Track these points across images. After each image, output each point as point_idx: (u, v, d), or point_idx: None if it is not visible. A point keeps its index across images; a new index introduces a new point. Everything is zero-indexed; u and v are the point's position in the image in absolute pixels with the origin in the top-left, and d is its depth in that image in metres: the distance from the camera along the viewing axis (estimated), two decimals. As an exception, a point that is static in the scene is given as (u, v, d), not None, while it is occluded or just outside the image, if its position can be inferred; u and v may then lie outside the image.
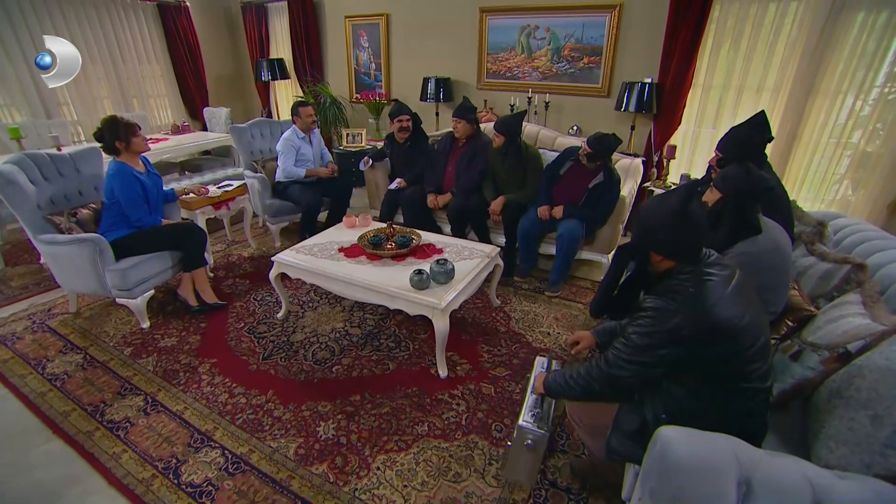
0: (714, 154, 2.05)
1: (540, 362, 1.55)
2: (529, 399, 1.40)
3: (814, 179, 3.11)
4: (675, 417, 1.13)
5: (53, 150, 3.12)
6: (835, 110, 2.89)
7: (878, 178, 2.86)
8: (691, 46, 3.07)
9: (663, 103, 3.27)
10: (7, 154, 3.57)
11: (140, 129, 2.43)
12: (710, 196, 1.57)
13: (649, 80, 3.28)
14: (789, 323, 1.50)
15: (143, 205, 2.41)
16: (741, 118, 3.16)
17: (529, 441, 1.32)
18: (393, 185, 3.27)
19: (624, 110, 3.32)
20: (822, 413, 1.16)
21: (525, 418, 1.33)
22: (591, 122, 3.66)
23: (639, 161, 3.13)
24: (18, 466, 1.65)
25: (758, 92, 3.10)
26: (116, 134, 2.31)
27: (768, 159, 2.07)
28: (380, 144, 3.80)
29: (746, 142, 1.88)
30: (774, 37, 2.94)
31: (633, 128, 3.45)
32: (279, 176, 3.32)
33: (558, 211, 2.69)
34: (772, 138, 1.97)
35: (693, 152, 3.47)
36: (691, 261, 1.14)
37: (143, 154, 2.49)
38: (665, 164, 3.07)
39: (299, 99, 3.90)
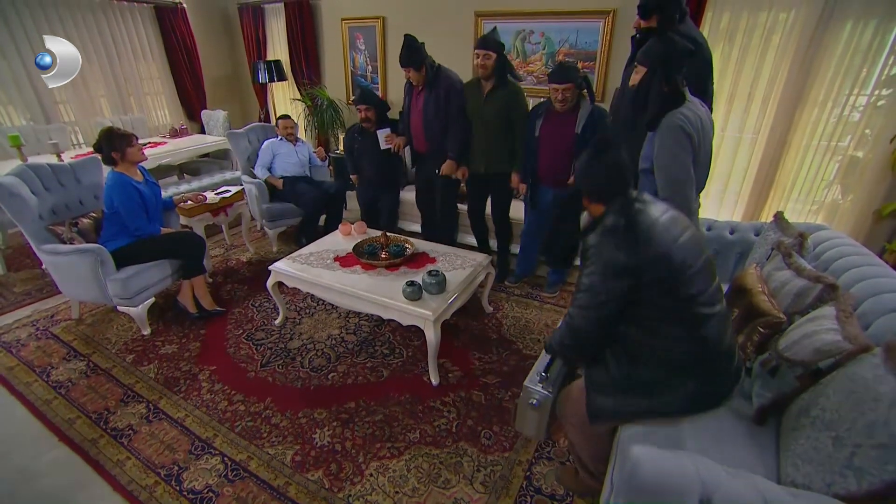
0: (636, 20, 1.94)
1: None
2: (540, 361, 1.46)
3: (803, 186, 3.15)
4: (637, 360, 1.21)
5: (54, 159, 3.18)
6: (824, 117, 2.92)
7: (866, 184, 2.90)
8: (684, 53, 3.09)
9: (656, 109, 3.29)
10: (7, 159, 3.63)
11: (137, 139, 2.48)
12: (636, 76, 1.61)
13: (642, 86, 3.30)
14: (761, 330, 1.55)
15: (142, 214, 2.46)
16: (732, 126, 3.24)
17: (534, 401, 1.44)
18: (384, 144, 3.09)
19: (617, 116, 3.35)
20: (791, 430, 1.22)
21: (531, 379, 1.41)
22: (586, 127, 3.68)
23: (631, 167, 3.16)
24: (28, 472, 1.72)
25: (748, 99, 3.13)
26: (112, 145, 2.36)
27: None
28: None
29: None
30: (765, 44, 2.96)
31: (626, 133, 3.48)
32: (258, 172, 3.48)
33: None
34: None
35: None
36: (617, 199, 1.23)
37: (141, 164, 2.53)
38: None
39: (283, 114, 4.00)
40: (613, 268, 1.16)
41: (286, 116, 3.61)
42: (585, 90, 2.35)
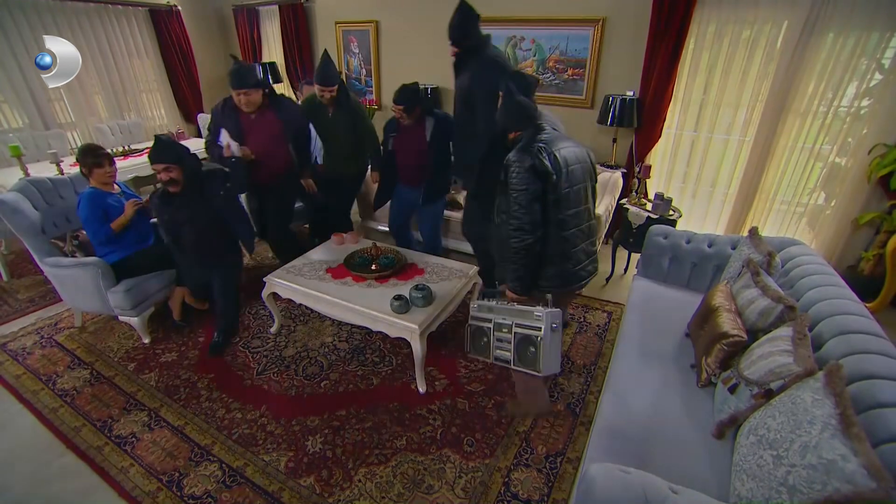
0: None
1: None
2: (535, 309, 1.81)
3: (787, 191, 3.22)
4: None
5: (54, 169, 3.25)
6: (807, 125, 2.98)
7: (846, 192, 2.97)
8: (671, 62, 3.14)
9: (644, 117, 3.36)
10: (8, 168, 3.70)
11: (111, 162, 2.47)
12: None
13: (630, 94, 3.36)
14: (724, 348, 1.65)
15: (101, 228, 2.40)
16: (718, 132, 3.30)
17: (555, 324, 1.76)
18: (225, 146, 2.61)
19: (609, 124, 3.40)
20: (741, 447, 1.32)
21: (539, 312, 1.77)
22: (575, 133, 3.71)
23: (618, 174, 3.24)
24: (37, 480, 1.84)
25: (734, 107, 3.19)
26: (84, 161, 2.40)
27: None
28: None
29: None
30: (750, 55, 3.01)
31: (614, 140, 3.54)
32: None
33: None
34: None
35: (673, 163, 3.56)
36: (529, 125, 1.80)
37: (135, 172, 2.58)
38: (639, 183, 3.18)
39: None
40: (528, 173, 1.69)
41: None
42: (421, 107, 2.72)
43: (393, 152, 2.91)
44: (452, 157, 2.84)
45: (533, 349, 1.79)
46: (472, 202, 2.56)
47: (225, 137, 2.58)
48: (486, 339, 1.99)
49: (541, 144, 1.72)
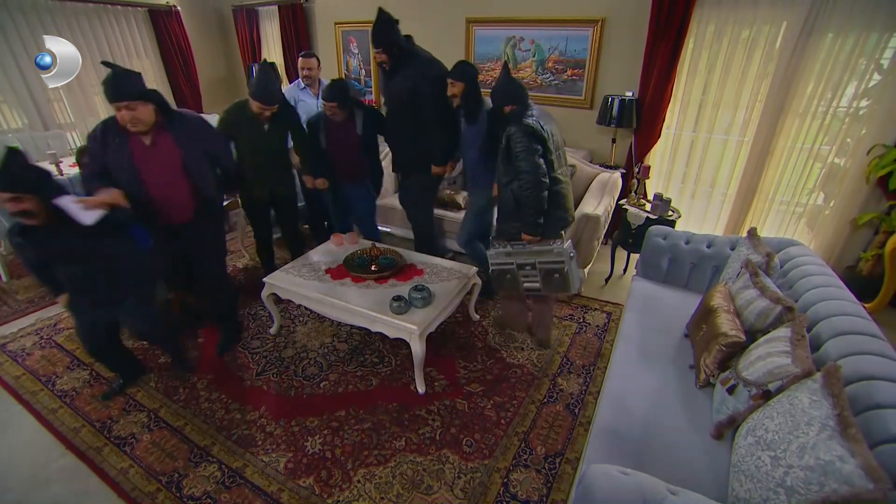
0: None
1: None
2: (553, 246, 2.19)
3: (786, 191, 3.22)
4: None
5: (53, 170, 3.25)
6: (806, 125, 2.98)
7: (845, 192, 2.97)
8: (670, 62, 3.15)
9: (643, 117, 3.36)
10: (7, 168, 3.70)
11: None
12: (454, 89, 2.41)
13: (629, 95, 3.36)
14: (723, 349, 1.65)
15: None
16: (717, 133, 3.30)
17: (573, 253, 2.20)
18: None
19: (608, 125, 3.40)
20: (739, 448, 1.32)
21: (557, 247, 2.17)
22: (575, 134, 3.75)
23: (617, 175, 3.24)
24: (37, 480, 1.84)
25: (733, 108, 3.19)
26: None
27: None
28: None
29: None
30: (749, 55, 3.01)
31: (614, 141, 3.54)
32: None
33: (322, 182, 2.82)
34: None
35: (672, 163, 3.57)
36: (522, 100, 2.17)
37: None
38: (638, 183, 3.18)
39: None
40: (532, 136, 2.06)
41: (309, 55, 3.13)
42: (352, 104, 2.71)
43: (325, 151, 2.82)
44: (393, 153, 2.88)
45: (558, 276, 2.22)
46: (411, 180, 2.87)
47: (68, 202, 1.77)
48: (510, 277, 2.32)
49: (533, 117, 2.11)
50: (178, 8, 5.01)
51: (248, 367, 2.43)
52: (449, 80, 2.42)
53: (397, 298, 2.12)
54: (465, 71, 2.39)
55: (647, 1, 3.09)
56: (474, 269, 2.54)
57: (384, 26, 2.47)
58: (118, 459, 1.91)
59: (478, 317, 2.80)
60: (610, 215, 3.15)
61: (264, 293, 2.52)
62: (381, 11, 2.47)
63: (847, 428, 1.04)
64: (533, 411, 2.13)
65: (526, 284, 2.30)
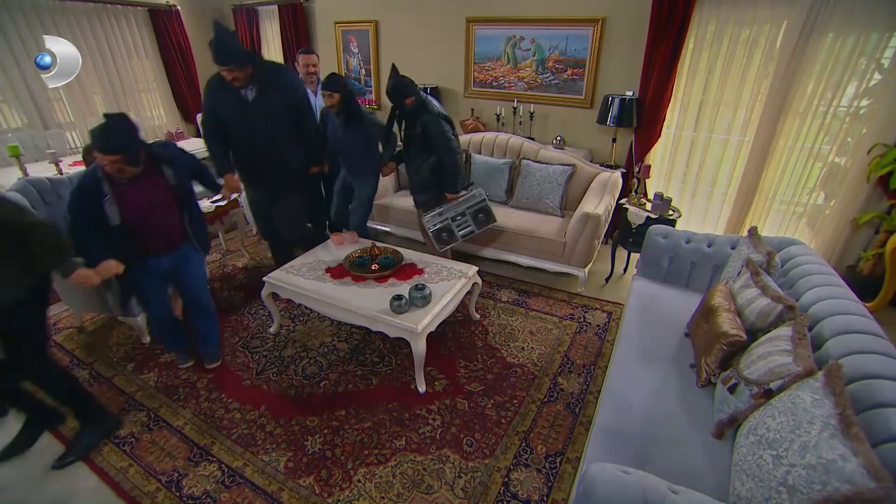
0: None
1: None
2: (469, 193, 2.84)
3: (787, 190, 3.22)
4: (438, 172, 2.76)
5: (53, 169, 3.25)
6: (806, 125, 2.98)
7: (845, 192, 2.97)
8: (670, 62, 3.14)
9: (643, 117, 3.36)
10: (6, 168, 3.70)
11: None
12: (329, 100, 2.60)
13: (630, 94, 3.36)
14: (724, 348, 1.65)
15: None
16: (717, 132, 3.30)
17: (488, 193, 3.03)
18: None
19: (608, 124, 3.40)
20: (741, 447, 1.32)
21: (474, 192, 2.87)
22: (575, 133, 3.75)
23: (617, 174, 3.23)
24: (37, 480, 1.83)
25: (734, 107, 3.19)
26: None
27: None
28: None
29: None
30: (749, 54, 3.01)
31: (614, 140, 3.54)
32: None
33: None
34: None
35: (672, 163, 3.57)
36: (416, 92, 2.58)
37: None
38: (639, 182, 3.18)
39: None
40: (444, 119, 2.59)
41: (308, 51, 3.13)
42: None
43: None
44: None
45: (482, 214, 2.87)
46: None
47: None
48: (446, 234, 2.86)
49: (435, 104, 2.61)
50: (178, 7, 5.01)
51: (247, 367, 2.43)
52: (324, 92, 2.58)
53: (398, 298, 2.11)
54: (340, 82, 2.59)
55: (647, 0, 3.09)
56: (475, 268, 2.53)
57: (231, 47, 2.25)
58: (118, 458, 1.91)
59: (478, 316, 2.79)
60: (610, 215, 3.15)
61: (264, 292, 2.52)
62: (216, 23, 2.25)
63: (849, 427, 1.04)
64: (533, 411, 2.12)
65: (461, 231, 2.87)
